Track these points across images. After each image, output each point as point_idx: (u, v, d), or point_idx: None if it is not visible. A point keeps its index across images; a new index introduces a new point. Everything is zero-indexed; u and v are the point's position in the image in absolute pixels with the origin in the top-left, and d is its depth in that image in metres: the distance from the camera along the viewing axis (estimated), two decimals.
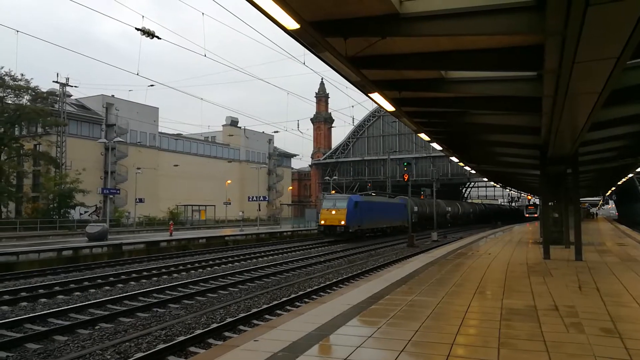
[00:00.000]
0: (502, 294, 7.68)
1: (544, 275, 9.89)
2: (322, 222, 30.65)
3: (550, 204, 16.22)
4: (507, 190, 73.34)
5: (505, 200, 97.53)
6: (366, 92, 8.74)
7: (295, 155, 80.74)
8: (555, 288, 8.26)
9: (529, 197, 72.78)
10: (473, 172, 30.78)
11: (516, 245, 18.75)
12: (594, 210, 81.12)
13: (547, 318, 5.97)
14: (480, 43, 6.99)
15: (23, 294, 11.88)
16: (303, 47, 6.92)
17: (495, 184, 53.63)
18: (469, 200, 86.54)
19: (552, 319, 5.96)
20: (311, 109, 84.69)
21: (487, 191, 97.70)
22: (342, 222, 29.52)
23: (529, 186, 38.76)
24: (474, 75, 8.70)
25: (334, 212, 30.22)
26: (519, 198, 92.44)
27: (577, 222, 13.58)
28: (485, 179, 49.75)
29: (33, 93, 34.12)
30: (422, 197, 44.55)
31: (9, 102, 32.56)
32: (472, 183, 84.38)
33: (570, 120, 8.74)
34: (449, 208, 54.73)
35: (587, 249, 13.59)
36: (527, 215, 71.36)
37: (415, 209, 41.90)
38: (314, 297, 11.30)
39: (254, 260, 19.80)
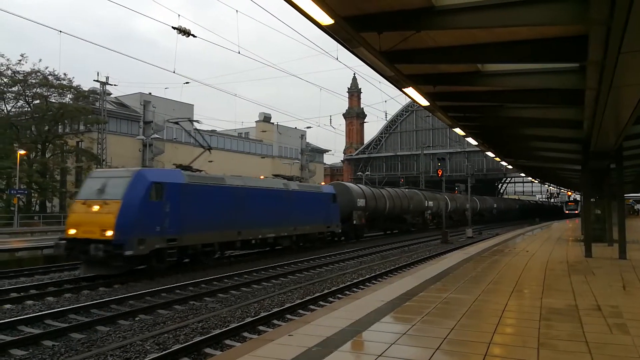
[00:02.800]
0: (541, 293, 7.47)
1: (585, 274, 9.57)
2: (70, 231, 13.56)
3: (592, 200, 15.65)
4: (546, 185, 71.10)
5: (544, 196, 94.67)
6: (400, 86, 8.65)
7: (327, 150, 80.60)
8: (597, 287, 7.98)
9: (569, 193, 70.42)
10: (510, 167, 30.04)
11: (555, 243, 18.21)
12: (639, 206, 77.75)
13: (589, 318, 5.77)
14: (519, 34, 6.79)
15: (67, 285, 12.38)
16: (336, 43, 6.91)
17: (533, 180, 51.85)
18: (505, 196, 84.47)
19: (595, 319, 5.76)
20: (344, 104, 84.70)
21: (524, 187, 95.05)
22: (108, 233, 12.76)
23: (569, 182, 37.47)
24: (511, 67, 8.47)
25: (95, 208, 13.42)
26: (558, 194, 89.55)
27: (621, 219, 13.04)
28: (523, 174, 48.26)
29: (75, 92, 35.39)
30: (455, 193, 43.79)
31: (53, 100, 33.87)
32: (509, 178, 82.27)
33: (614, 114, 8.38)
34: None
35: (631, 247, 13.04)
36: (567, 211, 69.15)
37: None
38: (347, 293, 11.30)
39: (287, 255, 19.94)
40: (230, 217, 16.48)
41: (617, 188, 15.14)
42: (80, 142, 39.53)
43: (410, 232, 34.85)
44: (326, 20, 5.61)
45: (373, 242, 26.12)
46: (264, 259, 18.18)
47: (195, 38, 17.76)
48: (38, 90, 32.76)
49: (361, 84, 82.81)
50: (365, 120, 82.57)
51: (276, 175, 23.38)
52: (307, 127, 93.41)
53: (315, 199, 22.12)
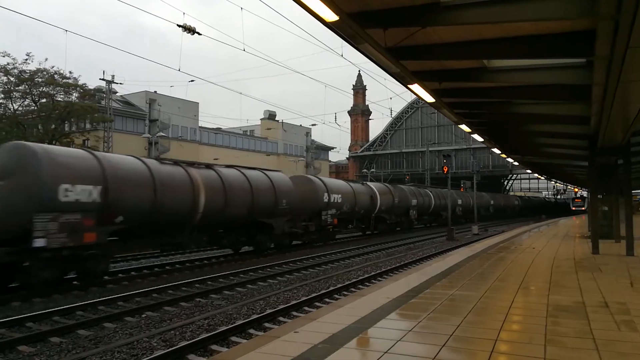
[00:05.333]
0: (547, 290, 7.43)
1: (592, 271, 9.51)
2: None
3: (599, 196, 15.55)
4: (553, 182, 70.66)
5: (550, 192, 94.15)
6: (406, 83, 8.61)
7: (332, 148, 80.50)
8: (605, 284, 7.93)
9: (576, 190, 70.00)
10: (516, 163, 29.87)
11: (562, 240, 18.12)
12: None
13: (597, 315, 5.73)
14: (526, 30, 6.75)
15: (75, 282, 12.45)
16: (341, 40, 6.88)
17: (539, 176, 51.49)
18: (512, 193, 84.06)
19: (602, 316, 5.72)
20: (348, 102, 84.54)
21: (530, 183, 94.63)
22: None
23: (576, 178, 37.24)
24: (517, 63, 8.42)
25: None
26: (564, 191, 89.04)
27: (629, 216, 12.95)
28: (529, 171, 47.87)
29: (81, 90, 35.53)
30: (462, 190, 43.34)
31: (60, 99, 34.03)
32: (515, 175, 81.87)
33: (622, 109, 8.32)
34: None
35: (638, 244, 12.94)
36: (573, 208, 68.73)
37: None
38: (353, 290, 11.30)
39: (293, 252, 19.96)
40: None
41: (624, 184, 15.01)
42: (86, 141, 39.72)
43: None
44: (331, 16, 5.60)
45: (378, 240, 26.08)
46: (270, 256, 18.20)
47: (200, 36, 17.78)
48: (44, 89, 32.93)
49: (366, 80, 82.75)
50: (370, 118, 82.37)
51: None
52: (312, 125, 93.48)
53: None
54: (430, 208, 37.43)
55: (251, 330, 7.86)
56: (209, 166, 16.47)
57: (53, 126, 34.35)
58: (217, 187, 15.55)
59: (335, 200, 23.15)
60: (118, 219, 12.20)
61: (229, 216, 16.08)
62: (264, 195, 17.65)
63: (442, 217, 39.73)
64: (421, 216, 36.67)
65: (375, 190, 28.09)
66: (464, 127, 13.73)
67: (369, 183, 29.77)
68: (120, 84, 50.20)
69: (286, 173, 24.41)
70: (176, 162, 15.13)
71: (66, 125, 37.94)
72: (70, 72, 35.42)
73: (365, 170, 70.25)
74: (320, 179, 23.48)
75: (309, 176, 24.01)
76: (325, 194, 22.33)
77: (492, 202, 52.24)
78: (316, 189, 22.05)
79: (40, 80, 32.44)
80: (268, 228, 18.23)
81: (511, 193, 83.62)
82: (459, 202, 43.13)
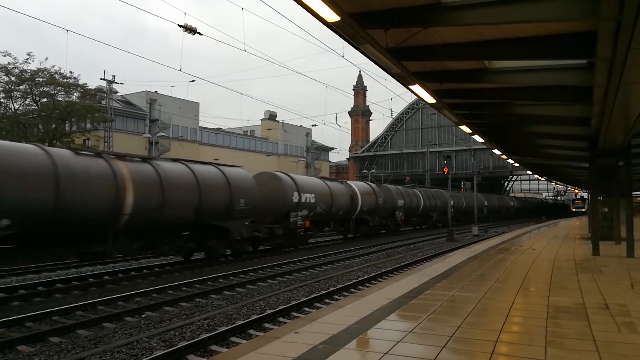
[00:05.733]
0: (548, 291, 7.42)
1: (593, 272, 9.50)
2: None
3: (599, 197, 15.54)
4: (553, 183, 70.62)
5: (551, 194, 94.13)
6: (406, 84, 8.61)
7: (333, 148, 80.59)
8: (605, 286, 7.92)
9: (576, 191, 69.98)
10: (516, 165, 29.85)
11: (562, 241, 18.11)
12: None
13: (597, 317, 5.73)
14: (527, 31, 6.74)
15: (75, 282, 12.45)
16: (342, 40, 6.88)
17: (539, 177, 51.42)
18: (512, 194, 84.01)
19: (603, 317, 5.71)
20: (349, 102, 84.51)
21: (530, 184, 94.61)
22: None
23: (576, 179, 37.24)
24: (518, 64, 8.41)
25: None
26: (565, 192, 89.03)
27: (629, 217, 12.93)
28: (529, 172, 47.79)
29: (82, 90, 35.54)
30: (462, 191, 43.20)
31: (60, 99, 34.04)
32: (515, 176, 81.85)
33: (623, 111, 8.32)
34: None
35: (639, 245, 12.93)
36: (574, 209, 68.70)
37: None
38: (353, 290, 11.29)
39: (293, 253, 19.96)
40: None
41: (625, 186, 15.01)
42: (87, 140, 39.73)
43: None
44: (332, 17, 5.59)
45: (377, 240, 26.07)
46: (270, 257, 18.20)
47: (201, 36, 17.79)
48: (45, 88, 32.95)
49: (367, 81, 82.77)
50: (370, 118, 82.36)
51: None
52: (313, 125, 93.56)
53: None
54: (419, 209, 35.08)
55: (251, 331, 7.85)
56: (145, 159, 14.26)
57: (54, 126, 34.37)
58: (152, 183, 13.09)
59: (308, 200, 20.68)
60: (2, 222, 9.80)
61: (170, 218, 13.57)
62: (216, 194, 15.31)
63: (432, 218, 38.05)
64: (409, 218, 34.28)
65: (356, 190, 25.68)
66: (464, 128, 13.72)
67: (349, 182, 27.07)
68: (121, 83, 50.20)
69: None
70: (98, 154, 13.00)
71: (67, 125, 37.97)
72: (71, 72, 35.48)
73: (365, 171, 70.25)
74: (290, 177, 20.68)
75: (276, 173, 21.03)
76: (295, 193, 19.91)
77: (486, 203, 49.48)
78: (284, 188, 19.63)
79: (41, 80, 32.45)
80: (223, 232, 15.93)
81: (511, 194, 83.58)
82: (451, 202, 38.77)
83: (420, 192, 35.93)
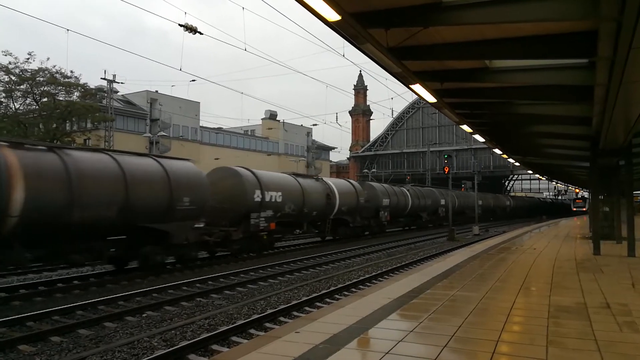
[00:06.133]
0: (549, 291, 7.42)
1: (594, 272, 9.50)
2: None
3: (600, 197, 15.54)
4: (554, 183, 70.55)
5: (551, 193, 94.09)
6: (407, 83, 8.60)
7: (333, 148, 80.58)
8: (606, 285, 7.91)
9: (577, 190, 69.95)
10: (517, 164, 29.82)
11: (563, 240, 18.10)
12: None
13: (599, 316, 5.72)
14: (527, 30, 6.73)
15: (76, 282, 12.46)
16: (343, 40, 6.87)
17: (540, 177, 51.38)
18: (512, 193, 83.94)
19: (604, 317, 5.71)
20: (350, 102, 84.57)
21: (531, 184, 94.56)
22: None
23: (577, 179, 37.21)
24: (519, 64, 8.41)
25: None
26: (566, 191, 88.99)
27: (630, 216, 12.93)
28: (530, 172, 47.71)
29: (82, 90, 35.56)
30: (462, 190, 42.98)
31: (61, 99, 34.06)
32: (516, 176, 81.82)
33: (624, 110, 8.31)
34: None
35: None
36: (574, 209, 68.65)
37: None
38: (354, 290, 11.30)
39: (294, 252, 19.97)
40: None
41: (626, 185, 15.00)
42: (87, 140, 39.75)
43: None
44: (333, 16, 5.59)
45: (378, 240, 26.06)
46: (271, 256, 18.20)
47: (202, 35, 17.79)
48: (46, 88, 32.97)
49: (367, 81, 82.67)
50: (371, 118, 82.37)
51: None
52: (313, 125, 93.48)
53: None
54: (406, 209, 32.56)
55: (252, 330, 7.85)
56: (52, 148, 11.49)
57: (54, 125, 34.38)
58: (55, 176, 10.71)
59: (273, 200, 18.38)
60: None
61: (82, 220, 11.08)
62: (151, 191, 12.98)
63: (421, 219, 35.94)
64: (396, 218, 31.90)
65: (334, 188, 23.24)
66: (465, 127, 13.71)
67: (326, 179, 24.53)
68: (122, 83, 50.27)
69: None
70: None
71: (67, 124, 37.99)
72: (72, 72, 35.44)
73: (366, 170, 70.24)
74: (252, 173, 18.33)
75: (236, 168, 18.42)
76: (258, 192, 17.66)
77: (480, 202, 45.08)
78: (243, 185, 17.34)
79: (41, 79, 32.47)
80: (162, 236, 13.54)
81: (512, 193, 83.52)
82: (442, 202, 38.53)
83: (408, 190, 33.81)
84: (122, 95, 50.48)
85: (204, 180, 15.31)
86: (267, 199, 18.06)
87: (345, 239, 24.85)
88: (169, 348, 6.82)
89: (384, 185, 31.17)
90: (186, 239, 14.21)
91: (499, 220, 50.36)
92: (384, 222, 28.98)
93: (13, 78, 31.70)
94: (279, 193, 18.83)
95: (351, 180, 27.98)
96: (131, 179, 12.38)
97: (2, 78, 31.21)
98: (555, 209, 74.68)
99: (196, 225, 14.95)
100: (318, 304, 9.86)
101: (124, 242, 13.00)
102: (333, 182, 24.31)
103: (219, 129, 65.16)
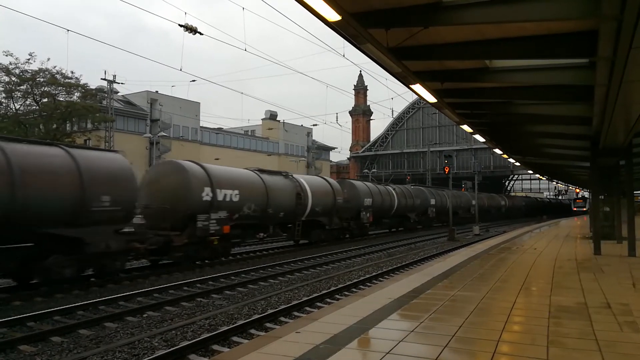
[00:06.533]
0: (549, 291, 7.42)
1: (594, 272, 9.50)
2: None
3: (601, 197, 15.54)
4: (554, 183, 70.49)
5: (552, 193, 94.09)
6: (407, 83, 8.61)
7: (334, 148, 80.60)
8: (607, 285, 7.91)
9: (577, 190, 69.95)
10: (517, 164, 29.81)
11: (564, 240, 18.10)
12: None
13: (599, 316, 5.72)
14: (527, 30, 6.74)
15: (76, 282, 12.44)
16: (343, 40, 6.88)
17: (541, 177, 51.28)
18: (512, 193, 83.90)
19: (605, 317, 5.71)
20: (350, 102, 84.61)
21: (531, 184, 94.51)
22: None
23: (577, 179, 37.21)
24: (519, 64, 8.41)
25: None
26: (566, 191, 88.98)
27: (631, 216, 12.93)
28: (531, 172, 47.65)
29: (83, 90, 35.58)
30: (462, 190, 42.83)
31: (61, 99, 34.09)
32: (516, 176, 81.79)
33: (624, 110, 8.31)
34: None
35: None
36: (575, 209, 68.63)
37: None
38: (354, 290, 11.29)
39: (295, 252, 19.96)
40: None
41: (626, 185, 14.99)
42: (87, 140, 39.79)
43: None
44: (333, 16, 5.59)
45: (378, 240, 26.06)
46: (271, 256, 18.20)
47: (202, 35, 17.81)
48: (46, 88, 32.99)
49: (367, 81, 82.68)
50: (371, 118, 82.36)
51: None
52: (314, 125, 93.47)
53: None
54: (392, 209, 30.24)
55: (252, 331, 7.85)
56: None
57: (54, 126, 34.41)
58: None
59: (228, 199, 15.95)
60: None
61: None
62: (52, 188, 10.63)
63: (409, 220, 33.67)
64: (380, 219, 29.81)
65: (306, 186, 20.56)
66: (465, 127, 13.72)
67: (297, 176, 21.50)
68: (122, 83, 50.31)
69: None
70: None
71: (68, 125, 38.03)
72: (72, 72, 35.53)
73: (366, 170, 70.25)
74: (202, 167, 15.86)
75: (182, 162, 15.78)
76: (207, 189, 15.24)
77: (473, 202, 42.68)
78: (188, 182, 14.84)
79: (42, 80, 32.49)
80: (74, 244, 11.27)
81: (512, 193, 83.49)
82: (432, 202, 36.39)
83: (395, 189, 31.50)
84: (123, 95, 50.52)
85: (130, 176, 12.81)
86: (220, 198, 15.66)
87: (321, 243, 22.23)
88: (169, 348, 6.82)
89: (367, 183, 28.95)
90: (107, 247, 11.86)
91: (494, 221, 49.01)
92: (365, 223, 26.67)
93: (13, 79, 31.71)
94: (236, 191, 16.37)
95: (328, 178, 25.19)
96: (20, 173, 9.96)
97: (2, 78, 31.24)
98: (553, 209, 74.26)
99: (122, 230, 12.57)
100: (319, 304, 9.86)
101: (19, 252, 10.51)
102: (306, 180, 21.69)
103: (219, 129, 65.18)
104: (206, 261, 15.56)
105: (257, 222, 17.96)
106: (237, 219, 16.46)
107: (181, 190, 14.77)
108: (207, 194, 15.27)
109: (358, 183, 27.87)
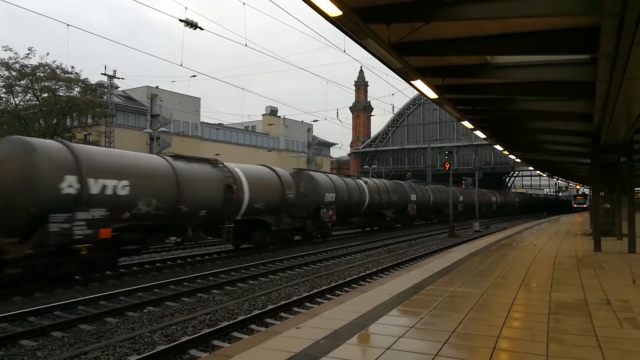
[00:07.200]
0: (549, 287, 7.43)
1: (594, 268, 9.50)
2: None
3: (601, 193, 15.53)
4: (555, 179, 70.40)
5: (552, 190, 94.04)
6: (408, 79, 8.59)
7: (334, 144, 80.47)
8: (607, 281, 7.92)
9: (578, 187, 69.92)
10: (518, 160, 29.77)
11: (564, 237, 18.11)
12: None
13: (599, 312, 5.73)
14: (528, 26, 6.72)
15: (77, 277, 12.46)
16: (344, 35, 6.86)
17: (541, 173, 51.16)
18: (513, 190, 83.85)
19: (604, 313, 5.72)
20: (350, 98, 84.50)
21: (532, 180, 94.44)
22: None
23: (578, 175, 37.19)
24: (520, 59, 8.39)
25: None
26: (566, 188, 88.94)
27: (631, 213, 12.94)
28: (531, 168, 47.59)
29: (83, 85, 35.52)
30: (463, 187, 42.78)
31: (61, 94, 34.04)
32: (517, 172, 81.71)
33: (625, 106, 8.29)
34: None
35: None
36: (575, 205, 68.60)
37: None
38: (355, 286, 11.31)
39: (295, 248, 19.97)
40: None
41: (627, 182, 15.00)
42: (88, 135, 39.76)
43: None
44: (334, 11, 5.57)
45: (379, 236, 26.08)
46: (272, 252, 18.21)
47: (202, 31, 17.76)
48: (46, 83, 32.94)
49: (368, 76, 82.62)
50: (372, 114, 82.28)
51: None
52: (314, 121, 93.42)
53: None
54: (362, 206, 26.14)
55: (253, 326, 7.87)
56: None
57: (55, 121, 34.38)
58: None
59: (110, 192, 11.69)
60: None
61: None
62: None
63: (385, 218, 29.59)
64: (348, 217, 25.89)
65: (241, 177, 16.51)
66: (466, 123, 13.70)
67: (230, 164, 16.86)
68: (122, 78, 50.11)
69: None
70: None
71: (68, 120, 37.99)
72: (72, 67, 35.41)
73: (366, 166, 70.21)
74: (67, 146, 11.59)
75: (29, 139, 11.69)
76: (71, 178, 10.88)
77: (461, 198, 40.86)
78: (35, 167, 10.48)
79: (42, 74, 32.44)
80: None
81: (512, 190, 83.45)
82: (412, 198, 32.47)
83: (366, 183, 27.39)
84: (123, 90, 50.46)
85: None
86: (95, 190, 11.33)
87: (264, 247, 18.10)
88: (170, 343, 6.83)
89: (330, 175, 24.98)
90: None
91: (484, 219, 45.14)
92: (327, 223, 22.33)
93: (13, 73, 31.65)
94: (124, 182, 12.04)
95: (277, 168, 19.91)
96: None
97: (2, 73, 31.18)
98: (551, 206, 73.57)
99: None
100: (319, 299, 9.88)
101: None
102: (243, 170, 17.12)
103: (220, 124, 65.12)
104: (76, 277, 11.71)
105: (162, 222, 13.59)
106: (128, 219, 12.35)
107: (22, 180, 10.38)
108: (69, 185, 10.83)
109: (318, 175, 23.43)
